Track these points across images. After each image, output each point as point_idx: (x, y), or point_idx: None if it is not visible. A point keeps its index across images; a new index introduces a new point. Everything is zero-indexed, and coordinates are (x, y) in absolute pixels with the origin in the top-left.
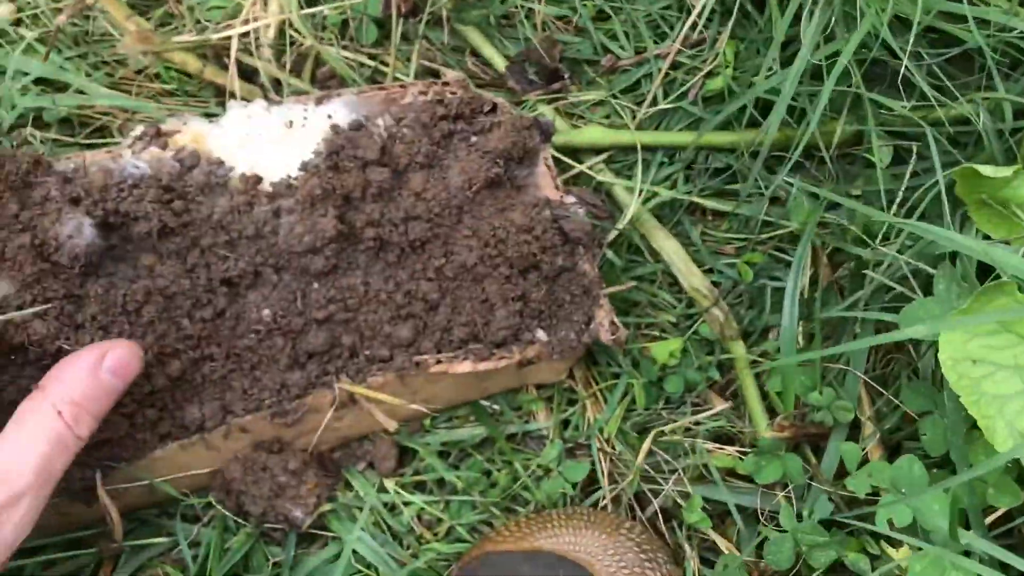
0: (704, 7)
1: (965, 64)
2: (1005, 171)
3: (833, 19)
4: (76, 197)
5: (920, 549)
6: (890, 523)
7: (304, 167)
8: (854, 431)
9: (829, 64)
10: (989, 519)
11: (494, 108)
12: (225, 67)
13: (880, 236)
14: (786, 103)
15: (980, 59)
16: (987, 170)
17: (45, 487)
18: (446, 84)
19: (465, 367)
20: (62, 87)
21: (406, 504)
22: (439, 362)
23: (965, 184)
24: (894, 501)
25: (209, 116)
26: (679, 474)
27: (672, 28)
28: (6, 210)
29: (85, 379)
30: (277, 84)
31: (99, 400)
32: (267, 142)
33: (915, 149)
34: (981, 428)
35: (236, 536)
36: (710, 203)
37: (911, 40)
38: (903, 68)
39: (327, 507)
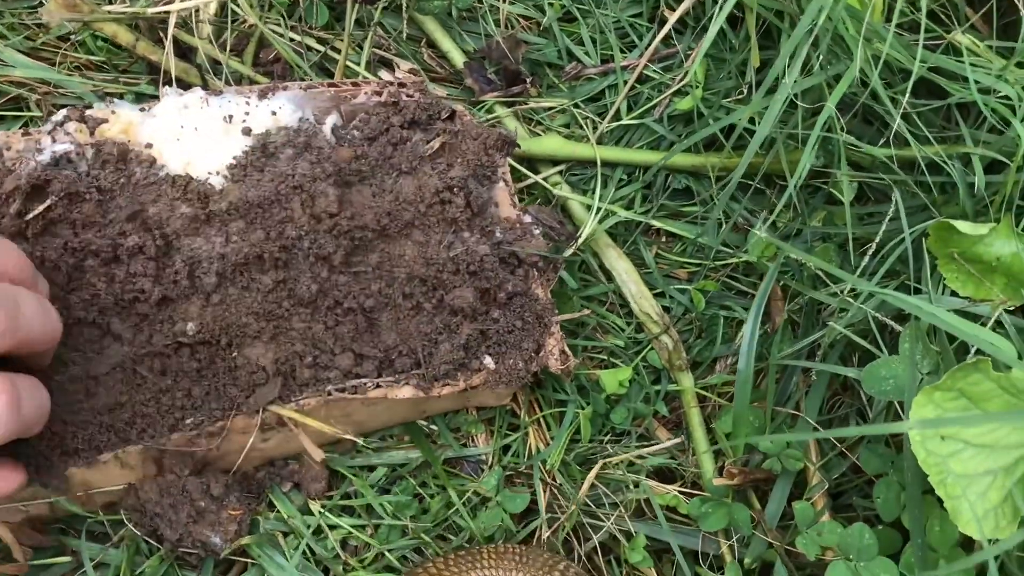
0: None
1: (937, 112)
2: (981, 228)
3: (819, 56)
4: None
5: None
6: None
7: (242, 168)
8: (799, 475)
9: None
10: None
11: (452, 115)
12: (160, 42)
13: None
14: (762, 138)
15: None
16: (963, 226)
17: None
18: (402, 85)
19: (406, 392)
20: None
21: (332, 528)
22: (378, 386)
23: (938, 238)
24: None
25: (140, 99)
26: (620, 509)
27: (641, 39)
28: None
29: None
30: (216, 64)
31: None
32: (203, 137)
33: (893, 198)
34: (947, 508)
35: (149, 560)
36: (668, 226)
37: (907, 92)
38: (895, 121)
39: (247, 539)
